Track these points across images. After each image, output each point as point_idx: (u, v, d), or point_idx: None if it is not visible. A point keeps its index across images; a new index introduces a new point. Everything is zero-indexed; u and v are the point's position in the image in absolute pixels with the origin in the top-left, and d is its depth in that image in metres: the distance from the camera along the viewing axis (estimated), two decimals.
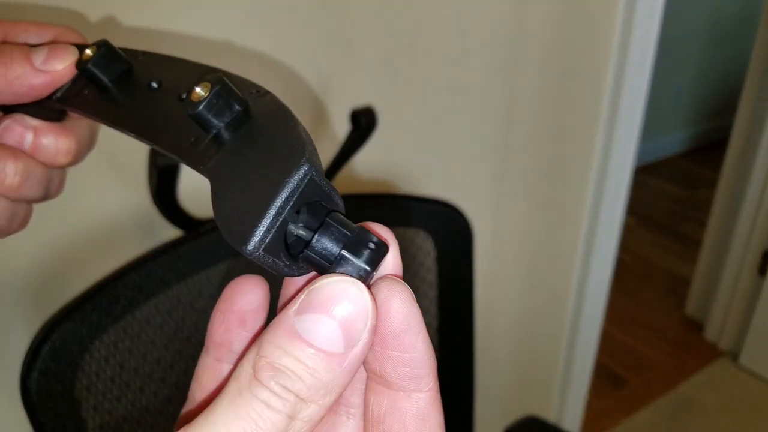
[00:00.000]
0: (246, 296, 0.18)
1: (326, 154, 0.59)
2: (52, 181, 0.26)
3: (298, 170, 0.16)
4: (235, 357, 0.18)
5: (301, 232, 0.16)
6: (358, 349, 0.14)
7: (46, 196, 0.26)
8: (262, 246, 0.15)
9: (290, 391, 0.14)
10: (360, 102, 0.60)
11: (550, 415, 1.14)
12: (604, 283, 1.04)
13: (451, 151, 0.73)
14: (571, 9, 0.76)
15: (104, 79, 0.22)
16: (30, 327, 0.49)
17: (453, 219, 0.58)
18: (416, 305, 0.16)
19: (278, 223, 0.16)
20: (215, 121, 0.18)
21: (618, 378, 1.57)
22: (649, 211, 2.26)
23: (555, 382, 1.11)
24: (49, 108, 0.25)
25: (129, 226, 0.52)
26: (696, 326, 1.73)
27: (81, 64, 0.23)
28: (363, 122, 0.53)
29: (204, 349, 0.18)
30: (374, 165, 0.65)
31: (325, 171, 0.42)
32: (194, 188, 0.52)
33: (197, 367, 0.19)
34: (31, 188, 0.25)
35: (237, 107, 0.18)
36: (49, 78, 0.23)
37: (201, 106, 0.18)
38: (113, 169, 0.49)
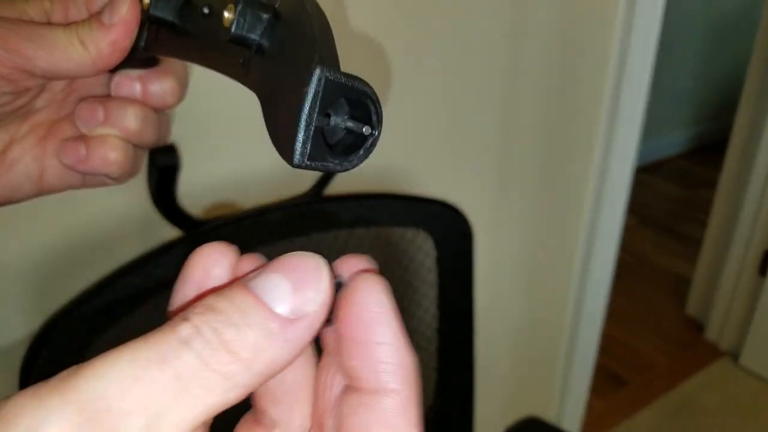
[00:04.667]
0: (207, 269, 0.16)
1: None
2: (162, 126, 0.29)
3: (312, 78, 0.16)
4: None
5: (338, 122, 0.17)
6: (304, 322, 0.14)
7: (158, 141, 0.29)
8: (305, 158, 0.16)
9: (216, 331, 0.13)
10: None
11: (550, 416, 1.14)
12: (604, 283, 1.04)
13: (451, 152, 0.73)
14: (571, 9, 0.76)
15: (168, 17, 0.24)
16: (30, 327, 0.49)
17: (453, 219, 0.58)
18: (390, 296, 0.15)
19: (312, 133, 0.16)
20: (251, 37, 0.19)
21: (618, 378, 1.56)
22: (650, 211, 2.26)
23: (555, 382, 1.11)
24: (142, 59, 0.27)
25: (129, 226, 0.52)
26: (696, 326, 1.73)
27: (144, 13, 0.25)
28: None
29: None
30: (374, 165, 0.65)
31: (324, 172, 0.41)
32: (194, 188, 0.52)
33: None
34: (148, 132, 0.28)
35: (265, 16, 0.19)
36: (122, 26, 0.25)
37: (233, 29, 0.19)
38: None
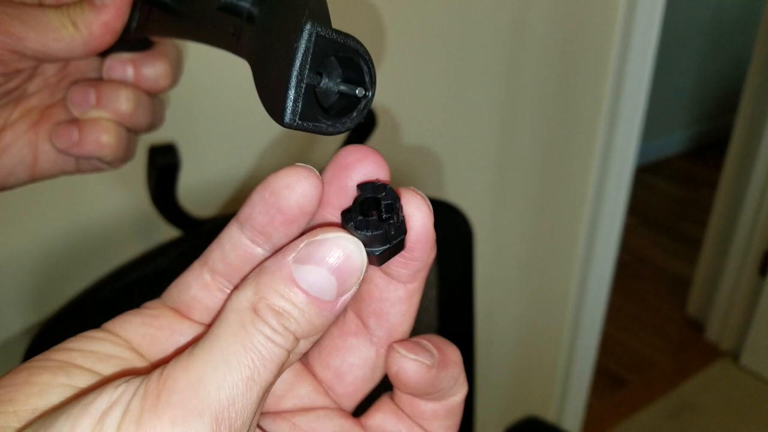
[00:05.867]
0: (295, 196, 0.17)
1: (326, 154, 0.59)
2: (156, 110, 0.29)
3: (302, 34, 0.16)
4: (272, 248, 0.18)
5: (330, 86, 0.17)
6: (347, 297, 0.16)
7: (152, 125, 0.29)
8: (297, 117, 0.16)
9: (289, 330, 0.15)
10: None
11: (550, 416, 1.14)
12: (604, 284, 1.04)
13: (451, 151, 0.73)
14: (572, 9, 0.76)
15: None
16: (29, 327, 0.49)
17: (453, 219, 0.58)
18: (432, 215, 0.18)
19: (303, 90, 0.16)
20: (241, 4, 0.19)
21: (618, 378, 1.56)
22: (650, 211, 2.26)
23: (555, 382, 1.10)
24: (135, 42, 0.27)
25: (128, 226, 0.51)
26: (697, 327, 1.73)
27: None
28: (362, 122, 0.53)
29: (237, 221, 0.17)
30: None
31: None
32: (194, 188, 0.52)
33: (223, 235, 0.18)
34: (142, 115, 0.28)
35: None
36: (114, 7, 0.25)
37: None
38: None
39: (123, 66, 0.28)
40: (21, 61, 0.25)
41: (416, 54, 0.64)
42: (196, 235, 0.47)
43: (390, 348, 0.19)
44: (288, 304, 0.15)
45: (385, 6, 0.59)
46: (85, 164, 0.29)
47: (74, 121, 0.27)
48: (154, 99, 0.29)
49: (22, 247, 0.47)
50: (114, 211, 0.50)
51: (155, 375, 0.15)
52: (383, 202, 0.17)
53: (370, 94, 0.17)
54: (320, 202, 0.17)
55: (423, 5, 0.62)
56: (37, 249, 0.48)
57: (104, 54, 0.27)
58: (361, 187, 0.17)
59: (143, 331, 0.18)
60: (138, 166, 0.49)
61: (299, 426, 0.20)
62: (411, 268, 0.18)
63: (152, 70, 0.28)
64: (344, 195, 0.17)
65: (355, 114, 0.18)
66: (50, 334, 0.43)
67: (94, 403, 0.14)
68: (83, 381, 0.16)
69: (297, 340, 0.16)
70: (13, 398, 0.15)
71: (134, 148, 0.29)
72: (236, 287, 0.17)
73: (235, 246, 0.17)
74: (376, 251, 0.16)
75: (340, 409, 0.20)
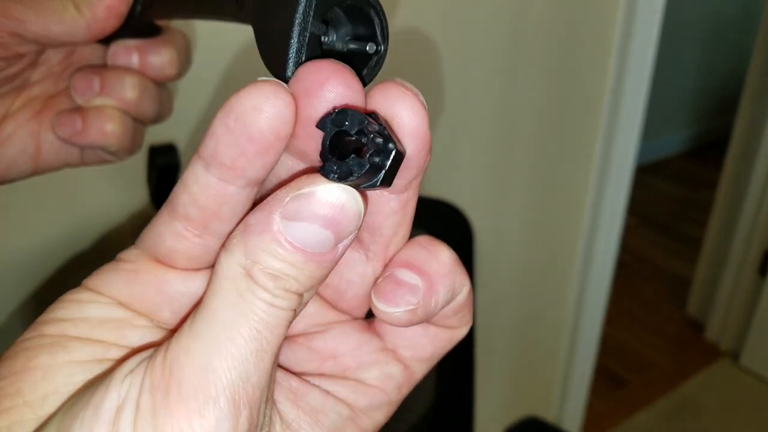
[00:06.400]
0: (267, 118, 0.14)
1: None
2: (163, 100, 0.28)
3: None
4: (247, 183, 0.15)
5: (338, 44, 0.16)
6: (347, 242, 0.15)
7: (159, 116, 0.28)
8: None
9: (290, 291, 0.14)
10: None
11: (550, 416, 1.14)
12: (604, 284, 1.04)
13: (451, 151, 0.73)
14: (572, 8, 0.76)
15: None
16: (28, 327, 0.49)
17: (453, 219, 0.58)
18: (426, 111, 0.16)
19: (307, 40, 0.15)
20: None
21: (618, 379, 1.56)
22: (650, 211, 2.26)
23: (555, 382, 1.10)
24: (139, 27, 0.26)
25: (127, 226, 0.51)
26: (697, 326, 1.73)
27: None
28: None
29: (200, 158, 0.15)
30: None
31: None
32: None
33: (187, 176, 0.15)
34: (147, 104, 0.27)
35: None
36: None
37: None
38: (112, 169, 0.49)
39: (128, 53, 0.27)
40: (22, 45, 0.24)
41: (415, 53, 0.64)
42: None
43: (370, 298, 0.18)
44: (284, 264, 0.14)
45: (384, 3, 0.59)
46: (89, 155, 0.28)
47: (78, 110, 0.26)
48: (161, 88, 0.28)
49: (21, 247, 0.47)
50: (114, 211, 0.50)
51: (158, 362, 0.14)
52: (352, 134, 0.14)
53: (383, 49, 0.16)
54: (296, 120, 0.15)
55: (422, 5, 0.62)
56: (37, 249, 0.48)
57: (108, 41, 0.27)
58: (321, 125, 0.14)
59: (129, 290, 0.16)
60: (138, 166, 0.49)
61: (317, 349, 0.19)
62: (405, 177, 0.16)
63: (158, 57, 0.27)
64: (311, 128, 0.15)
65: (365, 71, 0.16)
66: None
67: (103, 404, 0.14)
68: (84, 353, 0.15)
69: (300, 296, 0.15)
70: (20, 389, 0.15)
71: (140, 140, 0.28)
72: (223, 246, 0.15)
73: (204, 187, 0.15)
74: (375, 182, 0.15)
75: (354, 321, 0.19)
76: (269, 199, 0.15)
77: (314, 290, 0.15)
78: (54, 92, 0.27)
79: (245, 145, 0.14)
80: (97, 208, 0.49)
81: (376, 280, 0.18)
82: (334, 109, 0.14)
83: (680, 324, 1.75)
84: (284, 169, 0.17)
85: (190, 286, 0.17)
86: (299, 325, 0.19)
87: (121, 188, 0.50)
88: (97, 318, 0.16)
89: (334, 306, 0.19)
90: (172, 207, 0.16)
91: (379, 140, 0.14)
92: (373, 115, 0.15)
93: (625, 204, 0.97)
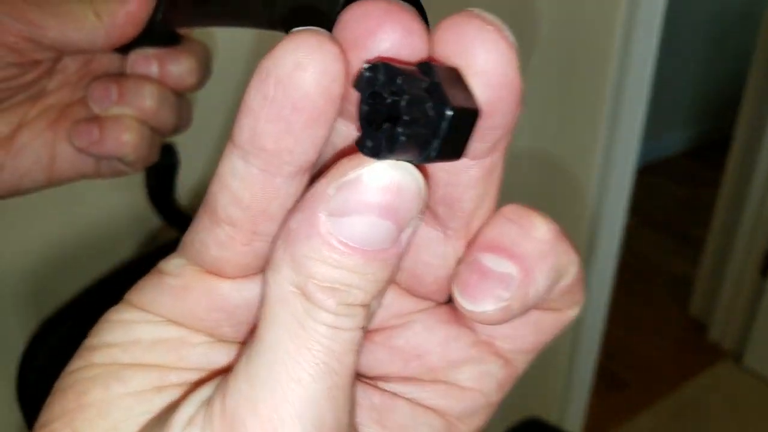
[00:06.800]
0: (314, 76, 0.11)
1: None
2: (182, 110, 0.28)
3: None
4: (296, 170, 0.12)
5: None
6: (410, 229, 0.12)
7: (177, 126, 0.28)
8: None
9: (354, 305, 0.12)
10: None
11: (551, 417, 1.13)
12: (606, 284, 1.04)
13: None
14: (573, 7, 0.76)
15: None
16: (26, 327, 0.49)
17: None
18: (513, 50, 0.12)
19: None
20: None
21: (620, 380, 1.56)
22: (652, 211, 2.26)
23: (556, 383, 1.10)
24: (160, 35, 0.26)
25: (125, 226, 0.51)
26: (699, 327, 1.72)
27: None
28: None
29: (236, 147, 0.12)
30: None
31: None
32: (193, 187, 0.52)
33: (223, 172, 0.13)
34: (166, 114, 0.26)
35: None
36: None
37: None
38: None
39: (147, 62, 0.26)
40: (38, 51, 0.24)
41: None
42: None
43: (452, 291, 0.14)
44: (342, 272, 0.12)
45: None
46: (105, 166, 0.27)
47: (95, 119, 0.26)
48: (181, 98, 0.28)
49: (18, 246, 0.47)
50: (111, 211, 0.50)
51: (217, 412, 0.12)
52: (386, 95, 0.11)
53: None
54: (347, 77, 0.12)
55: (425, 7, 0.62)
56: (34, 248, 0.48)
57: (127, 49, 0.26)
58: (357, 84, 0.12)
59: (180, 307, 0.14)
60: None
61: (398, 348, 0.16)
62: (487, 138, 0.13)
63: (178, 66, 0.26)
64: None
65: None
66: (48, 334, 0.42)
67: None
68: (140, 382, 0.14)
69: (367, 307, 0.12)
70: (76, 429, 0.13)
71: (158, 151, 0.28)
72: (268, 262, 0.13)
73: (245, 182, 0.13)
74: (432, 152, 0.12)
75: (437, 308, 0.16)
76: (309, 195, 0.12)
77: (381, 298, 0.13)
78: (70, 101, 0.27)
79: (290, 117, 0.11)
80: (95, 206, 0.49)
81: (458, 262, 0.15)
82: (368, 62, 0.12)
83: (682, 325, 1.74)
84: (341, 137, 0.14)
85: (247, 294, 0.14)
86: (375, 320, 0.16)
87: (119, 187, 0.50)
88: (149, 339, 0.14)
89: (411, 292, 0.16)
90: (211, 210, 0.14)
91: (426, 100, 0.11)
92: (425, 64, 0.12)
93: (626, 204, 0.97)
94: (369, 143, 0.12)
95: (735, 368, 1.58)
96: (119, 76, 0.27)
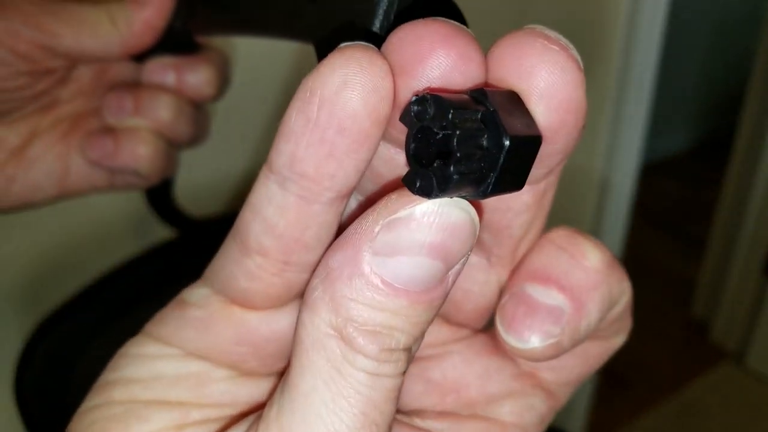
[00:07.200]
0: (362, 95, 0.10)
1: None
2: (199, 121, 0.27)
3: None
4: (335, 196, 0.12)
5: None
6: (458, 267, 0.11)
7: (194, 138, 0.27)
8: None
9: (397, 350, 0.11)
10: None
11: (553, 418, 1.13)
12: None
13: None
14: (575, 6, 0.76)
15: None
16: (23, 328, 0.48)
17: None
18: (580, 71, 0.11)
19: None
20: None
21: (622, 381, 1.55)
22: (654, 211, 2.25)
23: None
24: (178, 43, 0.25)
25: (122, 225, 0.51)
26: (701, 328, 1.71)
27: None
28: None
29: (273, 172, 0.12)
30: None
31: None
32: (191, 185, 0.51)
33: (258, 198, 0.12)
34: (183, 126, 0.26)
35: None
36: (157, 3, 0.23)
37: None
38: None
39: (164, 71, 0.25)
40: (51, 60, 0.23)
41: None
42: (193, 236, 0.47)
43: (494, 323, 0.13)
44: (385, 314, 0.11)
45: None
46: (119, 179, 0.27)
47: (109, 131, 0.25)
48: (198, 109, 0.27)
49: (15, 246, 0.47)
50: (108, 210, 0.50)
51: None
52: (436, 130, 0.10)
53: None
54: (395, 97, 0.11)
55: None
56: (31, 247, 0.48)
57: (144, 58, 0.25)
58: (404, 118, 0.11)
59: (204, 341, 0.14)
60: None
61: (434, 381, 0.15)
62: (547, 165, 0.13)
63: (196, 76, 0.26)
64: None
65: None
66: (46, 335, 0.42)
67: None
68: (162, 421, 0.13)
69: (408, 350, 0.12)
70: None
71: (175, 163, 0.27)
72: (302, 300, 0.12)
73: (281, 210, 0.12)
74: (489, 187, 0.11)
75: (475, 337, 0.15)
76: (351, 232, 0.11)
77: (422, 340, 0.12)
78: (84, 112, 0.26)
79: (335, 140, 0.11)
80: (91, 206, 0.49)
81: (501, 290, 0.14)
82: (416, 94, 0.11)
83: (684, 325, 1.74)
84: (380, 159, 0.13)
85: (275, 327, 0.14)
86: None
87: None
88: (171, 375, 0.13)
89: (448, 320, 0.15)
90: (241, 239, 0.13)
91: (480, 132, 0.11)
92: (479, 91, 0.11)
93: (629, 204, 0.96)
94: (419, 182, 0.11)
95: (737, 369, 1.57)
96: (135, 86, 0.26)
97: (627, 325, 0.16)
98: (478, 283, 0.14)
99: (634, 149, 0.91)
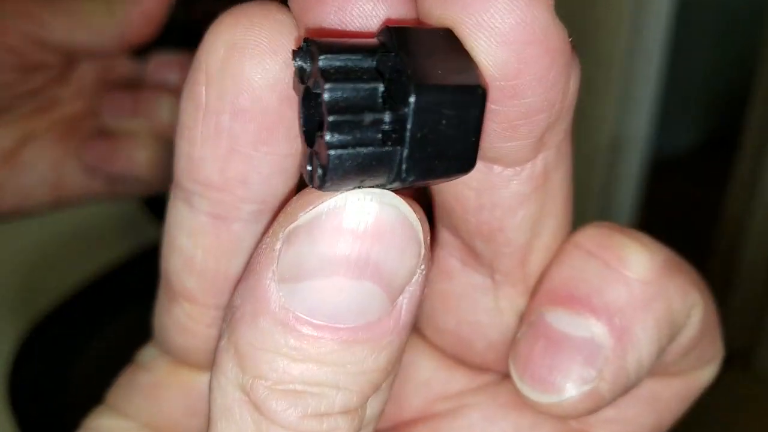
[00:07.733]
0: (254, 61, 0.07)
1: None
2: None
3: None
4: (258, 211, 0.09)
5: None
6: (413, 288, 0.08)
7: None
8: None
9: (331, 414, 0.08)
10: None
11: None
12: None
13: None
14: (579, 7, 0.75)
15: None
16: (17, 330, 0.48)
17: None
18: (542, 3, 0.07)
19: None
20: None
21: None
22: (659, 210, 2.24)
23: None
24: (180, 36, 0.23)
25: (116, 227, 0.51)
26: None
27: None
28: None
29: (178, 191, 0.09)
30: None
31: None
32: None
33: (170, 227, 0.10)
34: None
35: None
36: None
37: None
38: None
39: (167, 69, 0.24)
40: (42, 53, 0.21)
41: None
42: None
43: (510, 372, 0.09)
44: (306, 366, 0.08)
45: None
46: (118, 185, 0.25)
47: (107, 134, 0.24)
48: None
49: (10, 247, 0.47)
50: (103, 212, 0.50)
51: None
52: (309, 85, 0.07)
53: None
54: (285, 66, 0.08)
55: None
56: (26, 248, 0.47)
57: (145, 53, 0.24)
58: (294, 84, 0.08)
59: (154, 408, 0.12)
60: None
61: None
62: (525, 132, 0.09)
63: None
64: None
65: None
66: (41, 336, 0.42)
67: None
68: None
69: (355, 412, 0.08)
70: None
71: None
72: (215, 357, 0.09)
73: (195, 235, 0.09)
74: (404, 168, 0.07)
75: (499, 386, 0.11)
76: (254, 255, 0.09)
77: (385, 391, 0.09)
78: (84, 114, 0.24)
79: (233, 128, 0.08)
80: (86, 209, 0.49)
81: (519, 318, 0.10)
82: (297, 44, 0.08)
83: None
84: None
85: None
86: (414, 403, 0.11)
87: None
88: None
89: (461, 362, 0.11)
90: (165, 281, 0.11)
91: (376, 90, 0.07)
92: (385, 30, 0.07)
93: (634, 203, 0.96)
94: (309, 168, 0.07)
95: (743, 372, 1.56)
96: (135, 85, 0.24)
97: (715, 351, 0.10)
98: (486, 310, 0.10)
99: (640, 148, 0.90)
